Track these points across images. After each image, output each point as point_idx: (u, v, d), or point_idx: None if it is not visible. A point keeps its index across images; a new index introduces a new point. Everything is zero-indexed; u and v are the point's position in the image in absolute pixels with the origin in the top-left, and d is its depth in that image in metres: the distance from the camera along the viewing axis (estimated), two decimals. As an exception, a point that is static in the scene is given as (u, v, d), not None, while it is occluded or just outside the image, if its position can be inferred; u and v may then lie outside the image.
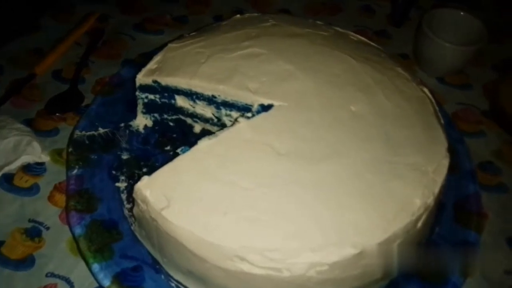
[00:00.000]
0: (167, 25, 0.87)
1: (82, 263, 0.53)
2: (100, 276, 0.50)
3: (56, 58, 0.77)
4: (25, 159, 0.61)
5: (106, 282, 0.49)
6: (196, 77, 0.58)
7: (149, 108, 0.64)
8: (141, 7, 0.90)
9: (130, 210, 0.57)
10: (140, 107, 0.65)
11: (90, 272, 0.51)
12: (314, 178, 0.48)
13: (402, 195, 0.48)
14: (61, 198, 0.60)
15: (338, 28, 0.68)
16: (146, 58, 0.72)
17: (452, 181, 0.56)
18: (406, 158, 0.52)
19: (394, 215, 0.47)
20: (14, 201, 0.59)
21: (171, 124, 0.66)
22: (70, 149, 0.61)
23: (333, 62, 0.60)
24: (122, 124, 0.65)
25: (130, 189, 0.59)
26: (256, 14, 0.70)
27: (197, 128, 0.65)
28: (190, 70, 0.59)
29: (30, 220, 0.58)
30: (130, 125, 0.66)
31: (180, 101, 0.62)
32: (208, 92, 0.58)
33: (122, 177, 0.60)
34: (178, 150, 0.52)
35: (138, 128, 0.66)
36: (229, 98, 0.58)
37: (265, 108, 0.55)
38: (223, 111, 0.60)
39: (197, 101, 0.60)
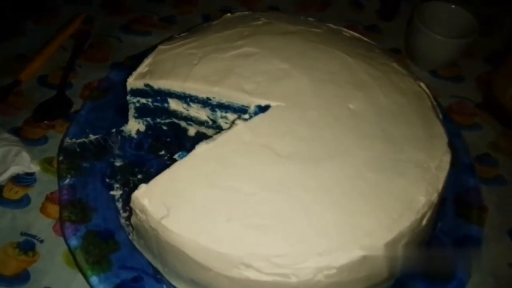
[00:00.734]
0: (154, 26, 0.85)
1: (80, 276, 0.51)
2: (100, 289, 0.48)
3: (41, 63, 0.74)
4: (14, 170, 0.59)
5: (106, 295, 0.47)
6: (189, 80, 0.56)
7: (141, 112, 0.63)
8: (127, 8, 0.88)
9: (127, 219, 0.55)
10: (131, 112, 0.63)
11: (88, 285, 0.49)
12: (316, 180, 0.47)
13: (406, 193, 0.48)
14: (53, 209, 0.58)
15: (330, 25, 0.67)
16: (134, 60, 0.70)
17: (451, 175, 0.55)
18: (407, 155, 0.51)
19: (399, 214, 0.46)
20: (4, 214, 0.57)
21: (164, 128, 0.64)
22: (60, 158, 0.58)
23: (328, 59, 0.59)
24: (114, 130, 0.63)
25: (125, 197, 0.57)
26: (246, 13, 0.69)
27: (192, 131, 0.63)
28: (183, 72, 0.57)
29: (22, 234, 0.56)
30: (122, 131, 0.64)
31: (174, 104, 0.60)
32: (202, 95, 0.57)
33: (117, 185, 0.58)
34: (176, 156, 0.50)
35: (130, 133, 0.64)
36: (224, 100, 0.56)
37: (262, 109, 0.54)
38: (219, 113, 0.58)
39: (191, 104, 0.59)
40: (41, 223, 0.57)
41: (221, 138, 0.50)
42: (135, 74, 0.59)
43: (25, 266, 0.53)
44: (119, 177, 0.59)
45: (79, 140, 0.60)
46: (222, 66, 0.57)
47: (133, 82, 0.58)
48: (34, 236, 0.56)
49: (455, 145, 0.63)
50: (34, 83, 0.72)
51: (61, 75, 0.73)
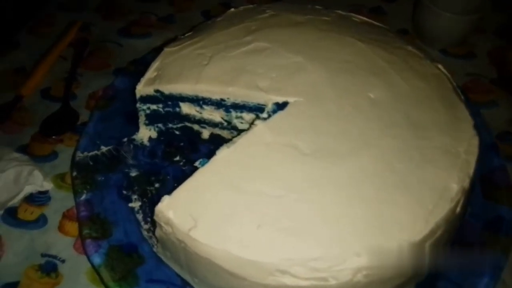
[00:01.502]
0: (153, 27, 0.82)
1: (107, 294, 0.50)
2: (129, 305, 0.46)
3: (42, 75, 0.72)
4: (28, 189, 0.57)
5: (137, 311, 0.46)
6: (201, 81, 0.54)
7: (152, 119, 0.61)
8: (123, 10, 0.85)
9: (149, 230, 0.54)
10: (142, 119, 0.61)
11: (117, 303, 0.47)
12: (344, 175, 0.46)
13: (438, 181, 0.46)
14: (72, 227, 0.56)
15: (339, 11, 0.64)
16: (137, 65, 0.69)
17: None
18: (434, 141, 0.49)
19: (434, 205, 0.44)
20: (22, 236, 0.55)
21: (177, 132, 0.62)
22: (74, 173, 0.57)
23: (342, 47, 0.57)
24: (125, 139, 0.61)
25: (145, 208, 0.56)
26: (251, 6, 0.66)
27: (205, 133, 0.61)
28: (193, 74, 0.55)
29: (43, 255, 0.54)
30: (134, 139, 0.62)
31: (186, 108, 0.58)
32: (216, 96, 0.55)
33: (134, 196, 0.57)
34: (197, 163, 0.48)
35: (142, 141, 0.62)
36: (239, 100, 0.54)
37: (280, 106, 0.52)
38: (233, 113, 0.56)
39: (204, 106, 0.57)
40: (60, 243, 0.55)
41: (241, 141, 0.48)
42: (143, 80, 0.56)
43: (50, 288, 0.51)
44: (136, 187, 0.57)
45: (91, 153, 0.58)
46: (233, 64, 0.55)
47: (142, 89, 0.56)
48: (55, 257, 0.54)
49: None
50: (36, 97, 0.70)
51: (64, 86, 0.70)
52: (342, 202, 0.44)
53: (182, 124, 0.61)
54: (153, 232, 0.50)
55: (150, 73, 0.57)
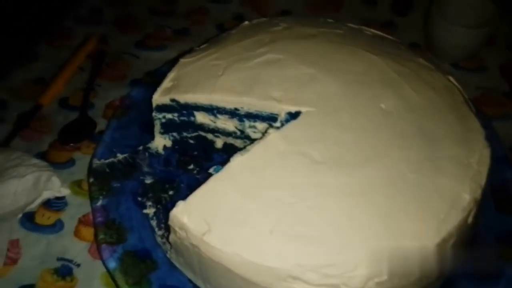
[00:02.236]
0: (168, 40, 0.84)
1: (121, 298, 0.50)
2: (142, 310, 0.47)
3: (61, 86, 0.74)
4: (46, 195, 0.58)
5: (150, 316, 0.47)
6: (216, 91, 0.55)
7: (167, 127, 0.62)
8: (139, 24, 0.87)
9: (163, 236, 0.54)
10: (157, 128, 0.62)
11: (130, 307, 0.48)
12: (357, 184, 0.46)
13: (450, 191, 0.46)
14: (87, 232, 0.57)
15: (351, 24, 0.66)
16: (153, 76, 0.71)
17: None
18: (446, 151, 0.50)
19: (446, 214, 0.45)
20: (39, 240, 0.57)
21: (191, 141, 0.63)
22: (91, 180, 0.58)
23: (354, 60, 0.58)
24: (141, 147, 0.63)
25: (159, 215, 0.57)
26: (264, 19, 0.68)
27: (219, 143, 0.62)
28: (208, 85, 0.56)
29: (58, 259, 0.55)
30: (149, 147, 0.63)
31: (200, 117, 0.59)
32: (230, 106, 0.56)
33: (149, 203, 0.58)
34: (211, 170, 0.49)
35: (157, 150, 0.63)
36: (253, 109, 0.55)
37: (293, 116, 0.53)
38: (247, 123, 0.57)
39: (219, 116, 0.58)
40: (76, 247, 0.56)
41: (255, 149, 0.49)
42: (160, 90, 0.58)
43: (65, 292, 0.52)
44: (150, 194, 0.59)
45: (107, 161, 0.60)
46: (247, 75, 0.56)
47: (158, 98, 0.58)
48: (70, 261, 0.55)
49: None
50: (55, 106, 0.72)
51: (82, 96, 0.72)
52: (354, 210, 0.44)
53: (196, 133, 0.62)
54: (167, 238, 0.51)
55: (166, 83, 0.58)
